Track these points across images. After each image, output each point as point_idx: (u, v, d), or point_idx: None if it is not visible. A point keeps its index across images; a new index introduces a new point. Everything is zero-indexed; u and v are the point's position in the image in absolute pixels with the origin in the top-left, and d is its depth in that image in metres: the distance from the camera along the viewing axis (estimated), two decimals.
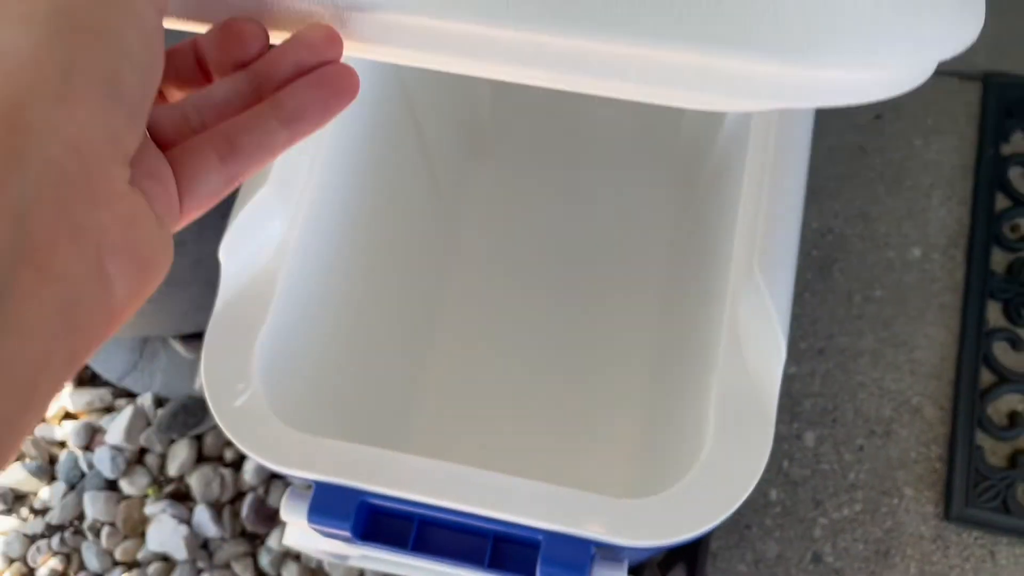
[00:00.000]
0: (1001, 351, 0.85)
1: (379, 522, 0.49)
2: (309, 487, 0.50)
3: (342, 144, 0.59)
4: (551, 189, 0.91)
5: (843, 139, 0.93)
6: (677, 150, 0.88)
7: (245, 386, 0.50)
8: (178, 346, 0.92)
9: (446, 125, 0.83)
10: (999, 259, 0.88)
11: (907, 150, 0.92)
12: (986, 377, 0.84)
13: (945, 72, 0.94)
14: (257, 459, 0.48)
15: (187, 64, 0.27)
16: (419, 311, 0.82)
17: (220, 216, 0.68)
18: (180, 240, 0.66)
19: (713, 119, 0.73)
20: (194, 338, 0.92)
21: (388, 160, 0.70)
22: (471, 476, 0.48)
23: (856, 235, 0.90)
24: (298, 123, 0.26)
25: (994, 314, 0.86)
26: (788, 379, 0.85)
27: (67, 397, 0.93)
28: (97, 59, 0.20)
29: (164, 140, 0.25)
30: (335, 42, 0.27)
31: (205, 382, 0.50)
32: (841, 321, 0.87)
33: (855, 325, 0.87)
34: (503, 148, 0.92)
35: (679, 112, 0.88)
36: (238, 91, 0.26)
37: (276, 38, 0.27)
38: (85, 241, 0.20)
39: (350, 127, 0.60)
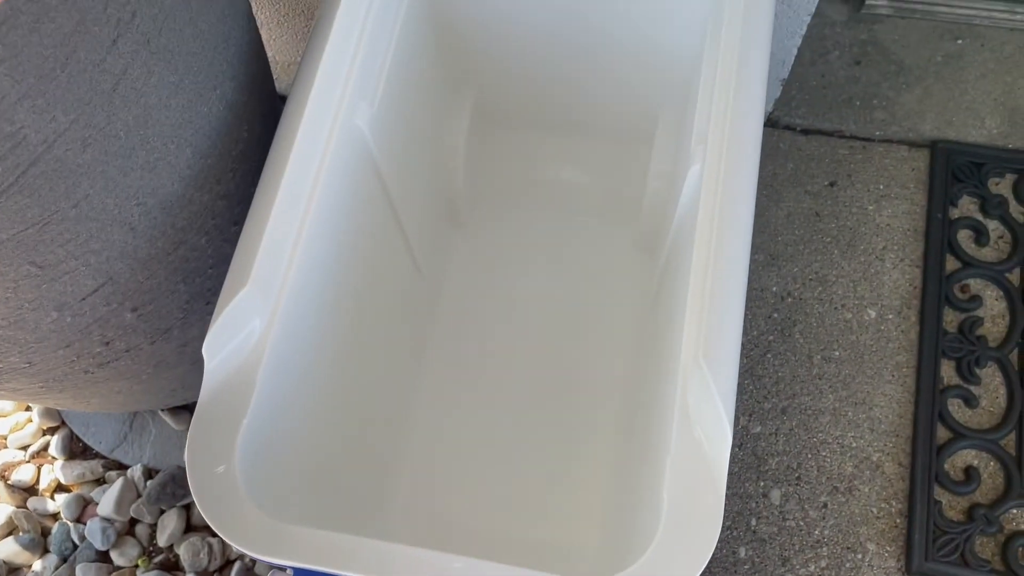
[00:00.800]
0: (955, 408, 0.89)
1: None
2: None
3: (319, 235, 0.63)
4: (525, 258, 0.95)
5: (799, 205, 0.97)
6: (642, 216, 0.92)
7: (227, 478, 0.53)
8: (167, 418, 0.95)
9: (421, 201, 0.87)
10: (951, 319, 0.92)
11: (860, 215, 0.97)
12: (942, 433, 0.88)
13: (894, 140, 0.99)
14: (239, 548, 0.52)
15: None
16: (396, 391, 0.86)
17: (205, 303, 0.72)
18: (167, 327, 0.70)
19: (674, 186, 0.77)
20: (183, 410, 0.95)
21: (365, 243, 0.74)
22: (441, 560, 0.51)
23: (814, 298, 0.94)
24: None
25: (948, 372, 0.90)
26: (754, 438, 0.89)
27: (59, 470, 0.95)
28: None
29: None
30: None
31: (189, 476, 0.53)
32: (803, 381, 0.91)
33: (816, 385, 0.91)
34: (477, 217, 0.96)
35: (643, 175, 0.93)
36: None
37: None
38: None
39: (327, 217, 0.64)
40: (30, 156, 0.48)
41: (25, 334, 0.59)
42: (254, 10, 0.96)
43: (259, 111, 0.69)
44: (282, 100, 1.06)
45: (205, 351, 0.56)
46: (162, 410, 0.95)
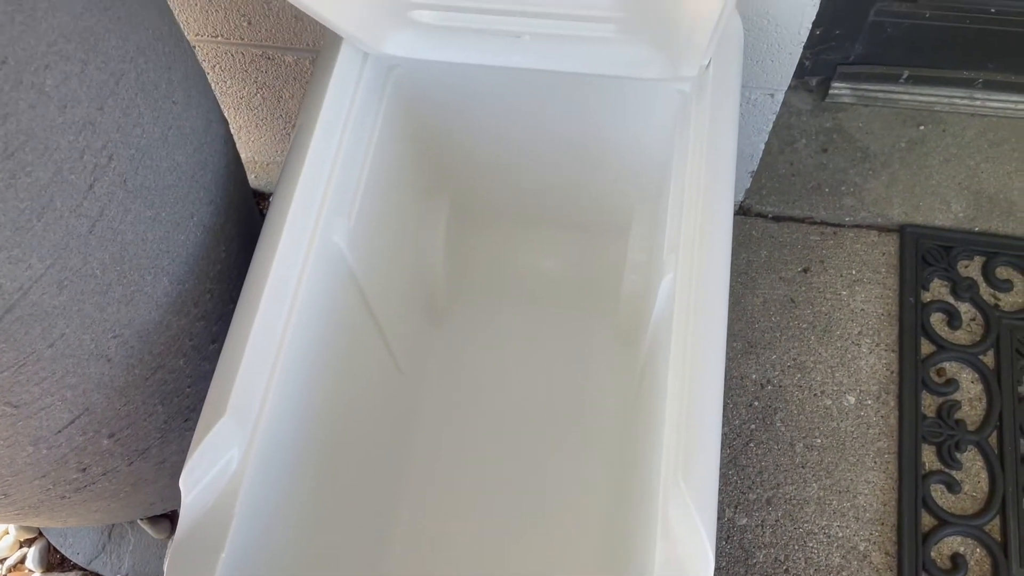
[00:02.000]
0: (938, 494, 0.89)
1: None
2: None
3: (298, 353, 0.63)
4: (506, 352, 0.95)
5: (775, 292, 0.99)
6: (620, 308, 0.93)
7: None
8: (146, 527, 0.93)
9: (401, 303, 0.88)
10: (929, 403, 0.93)
11: (834, 301, 0.98)
12: (927, 520, 0.88)
13: (864, 225, 1.01)
14: None
15: None
16: (379, 495, 0.85)
17: (183, 420, 0.72)
18: (144, 447, 0.69)
19: (651, 279, 0.78)
20: (162, 518, 0.94)
21: (344, 352, 0.74)
22: None
23: (794, 384, 0.95)
24: None
25: (929, 457, 0.91)
26: (740, 531, 0.89)
27: None
28: None
29: None
30: None
31: None
32: (786, 470, 0.91)
33: (799, 474, 0.91)
34: (457, 314, 0.97)
35: (620, 267, 0.94)
36: None
37: None
38: None
39: (306, 333, 0.64)
40: (5, 303, 0.48)
41: (1, 469, 0.58)
42: (232, 115, 0.98)
43: (237, 230, 0.69)
44: (260, 198, 1.07)
45: (182, 484, 0.55)
46: (141, 520, 0.94)
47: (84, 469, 0.65)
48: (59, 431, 0.58)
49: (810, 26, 0.76)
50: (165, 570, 0.55)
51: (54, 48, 0.45)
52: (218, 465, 0.56)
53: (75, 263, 0.51)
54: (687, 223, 0.64)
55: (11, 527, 0.97)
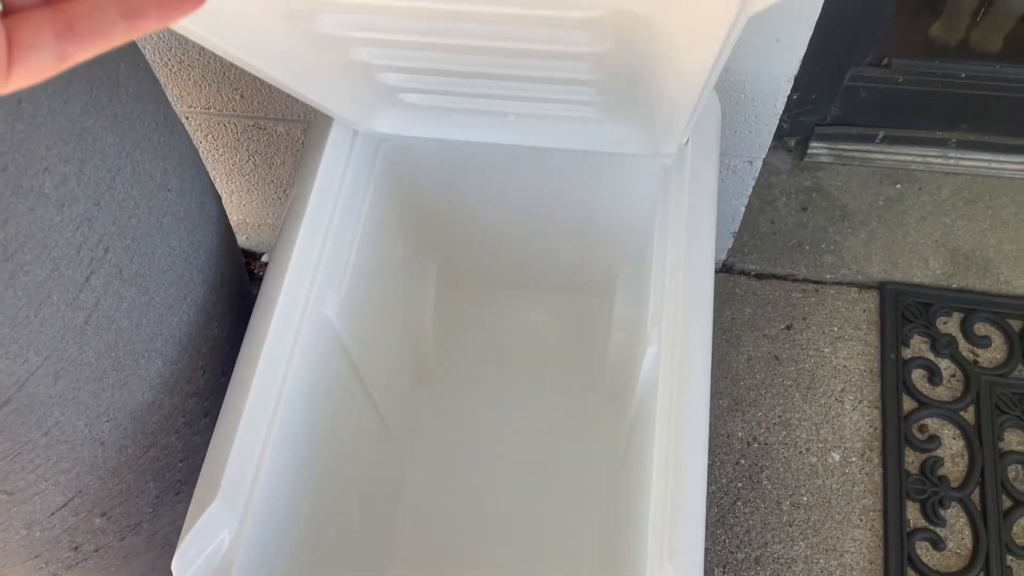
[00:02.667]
0: (924, 551, 0.90)
1: None
2: None
3: (290, 427, 0.64)
4: (495, 412, 0.96)
5: (759, 350, 1.00)
6: (608, 368, 0.94)
7: None
8: None
9: (391, 368, 0.89)
10: (912, 459, 0.94)
11: (817, 358, 1.00)
12: None
13: (844, 283, 1.04)
14: None
15: None
16: (371, 566, 0.85)
17: (175, 494, 0.72)
18: (136, 523, 0.69)
19: (636, 346, 0.79)
20: None
21: (335, 420, 0.74)
22: None
23: (779, 442, 0.96)
24: (137, 20, 0.26)
25: (913, 514, 0.92)
26: None
27: None
28: None
29: (10, 4, 0.26)
30: None
31: None
32: (773, 529, 0.92)
33: (787, 532, 0.92)
34: (446, 375, 0.98)
35: (607, 327, 0.96)
36: None
37: None
38: None
39: (297, 406, 0.65)
40: (2, 398, 0.49)
41: None
42: (225, 180, 0.99)
43: (229, 304, 0.71)
44: (251, 257, 1.08)
45: (175, 568, 0.56)
46: None
47: (76, 548, 0.65)
48: (52, 514, 0.59)
49: (785, 100, 0.78)
50: None
51: (53, 151, 0.47)
52: (210, 547, 0.57)
53: (71, 353, 0.52)
54: (669, 295, 0.65)
55: None
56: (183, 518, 0.73)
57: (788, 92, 0.77)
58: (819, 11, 0.68)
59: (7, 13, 0.25)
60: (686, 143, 0.70)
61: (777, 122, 0.81)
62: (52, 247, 0.48)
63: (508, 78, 0.58)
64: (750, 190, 0.90)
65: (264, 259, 1.17)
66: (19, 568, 0.63)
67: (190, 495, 0.73)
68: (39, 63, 0.25)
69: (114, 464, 0.61)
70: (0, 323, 0.46)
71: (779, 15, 0.70)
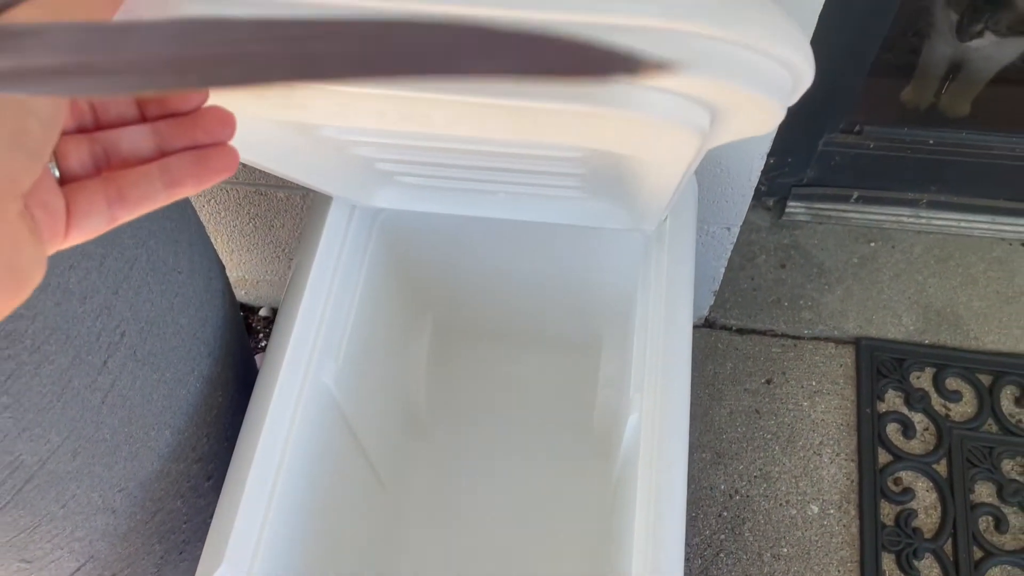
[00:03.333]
0: None
1: None
2: None
3: (290, 489, 0.67)
4: (485, 464, 1.00)
5: (740, 403, 1.04)
6: (595, 423, 0.98)
7: None
8: None
9: (385, 426, 0.92)
10: (887, 511, 0.98)
11: (796, 411, 1.04)
12: None
13: (821, 338, 1.08)
14: None
15: (125, 105, 0.32)
16: None
17: (178, 553, 0.75)
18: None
19: (620, 407, 0.83)
20: None
21: (332, 478, 0.78)
22: None
23: (760, 495, 0.99)
24: (177, 188, 0.31)
25: (889, 565, 0.95)
26: None
27: None
28: (7, 119, 0.25)
29: (69, 174, 0.30)
30: (228, 126, 0.32)
31: None
32: None
33: None
34: (438, 429, 1.01)
35: (594, 383, 0.99)
36: (140, 147, 0.31)
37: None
38: None
39: (297, 469, 0.68)
40: (25, 475, 0.52)
41: None
42: (226, 241, 1.03)
43: (233, 373, 0.74)
44: (249, 312, 1.12)
45: None
46: None
47: None
48: None
49: (759, 173, 0.83)
50: None
51: (77, 249, 0.51)
52: None
53: (88, 432, 0.55)
54: (650, 361, 0.69)
55: None
56: (191, 572, 0.76)
57: (762, 167, 0.82)
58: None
59: (65, 181, 0.30)
60: (665, 219, 0.75)
61: (752, 193, 0.86)
62: (74, 336, 0.52)
63: (499, 170, 0.63)
64: (728, 253, 0.95)
65: (262, 312, 1.21)
66: None
67: (193, 554, 0.76)
68: (92, 226, 0.30)
69: (124, 530, 0.64)
70: (26, 409, 0.50)
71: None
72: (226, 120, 0.32)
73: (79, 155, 0.30)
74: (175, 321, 0.62)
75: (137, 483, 0.62)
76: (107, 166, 0.31)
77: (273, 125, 0.52)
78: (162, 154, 0.32)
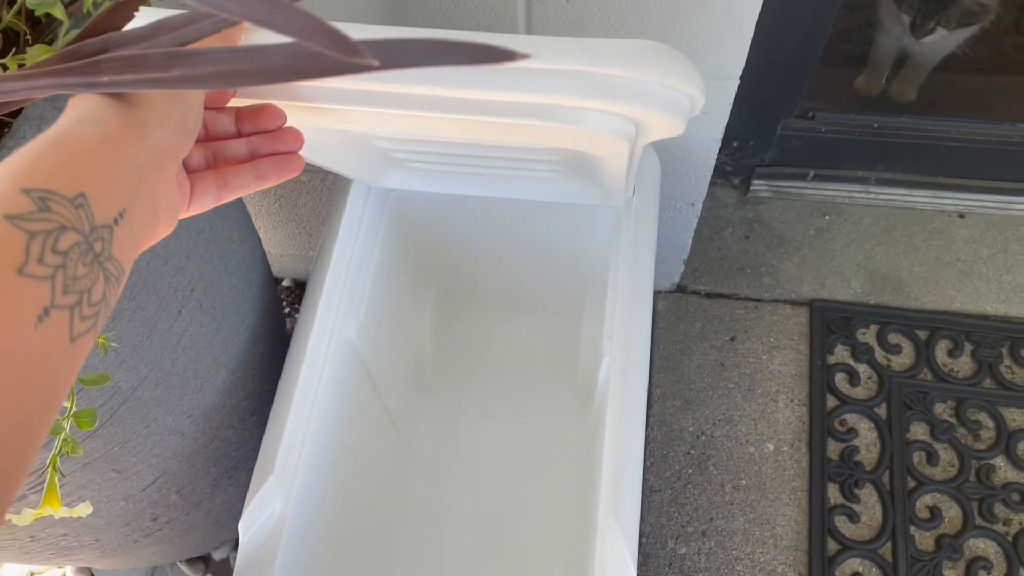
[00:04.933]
0: (842, 524, 1.08)
1: None
2: None
3: (322, 423, 0.82)
4: (482, 414, 1.14)
5: (707, 358, 1.19)
6: (577, 377, 1.13)
7: None
8: (184, 567, 1.11)
9: (397, 378, 1.07)
10: (833, 448, 1.13)
11: (756, 364, 1.18)
12: (832, 546, 1.07)
13: (780, 300, 1.22)
14: None
15: (228, 124, 0.46)
16: (384, 527, 1.03)
17: (228, 478, 0.90)
18: (198, 500, 0.88)
19: (597, 358, 0.97)
20: (198, 560, 1.11)
21: (354, 417, 0.93)
22: None
23: (723, 435, 1.14)
24: (263, 180, 0.45)
25: (834, 493, 1.10)
26: (680, 558, 1.07)
27: None
28: (178, 111, 0.39)
29: (190, 167, 0.43)
30: (299, 140, 0.47)
31: None
32: (717, 507, 1.10)
33: (728, 509, 1.10)
34: (442, 383, 1.16)
35: (576, 342, 1.14)
36: (238, 152, 0.45)
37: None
38: (157, 197, 0.37)
39: (327, 407, 0.83)
40: (121, 399, 0.67)
41: (99, 520, 0.76)
42: (254, 218, 1.18)
43: (270, 328, 0.89)
44: (276, 283, 1.26)
45: (241, 527, 0.74)
46: (179, 562, 1.11)
47: (155, 519, 0.83)
48: (143, 489, 0.77)
49: (716, 156, 0.97)
50: None
51: None
52: (266, 512, 0.75)
53: (167, 366, 0.70)
54: (619, 315, 0.84)
55: (68, 572, 1.14)
56: (233, 500, 0.91)
57: (717, 150, 0.96)
58: (734, 93, 0.87)
59: (191, 171, 0.44)
60: (632, 195, 0.89)
61: (711, 174, 1.00)
62: (159, 289, 0.66)
63: (491, 159, 0.77)
64: (694, 226, 1.09)
65: (285, 283, 1.35)
66: (112, 533, 0.81)
67: (238, 480, 0.91)
68: (204, 202, 0.45)
69: (189, 451, 0.79)
70: (124, 345, 0.64)
71: (705, 98, 0.89)
72: (298, 136, 0.47)
73: (197, 156, 0.45)
74: (229, 281, 0.77)
75: (201, 412, 0.77)
76: (215, 164, 0.46)
77: (322, 129, 0.66)
78: (253, 158, 0.46)
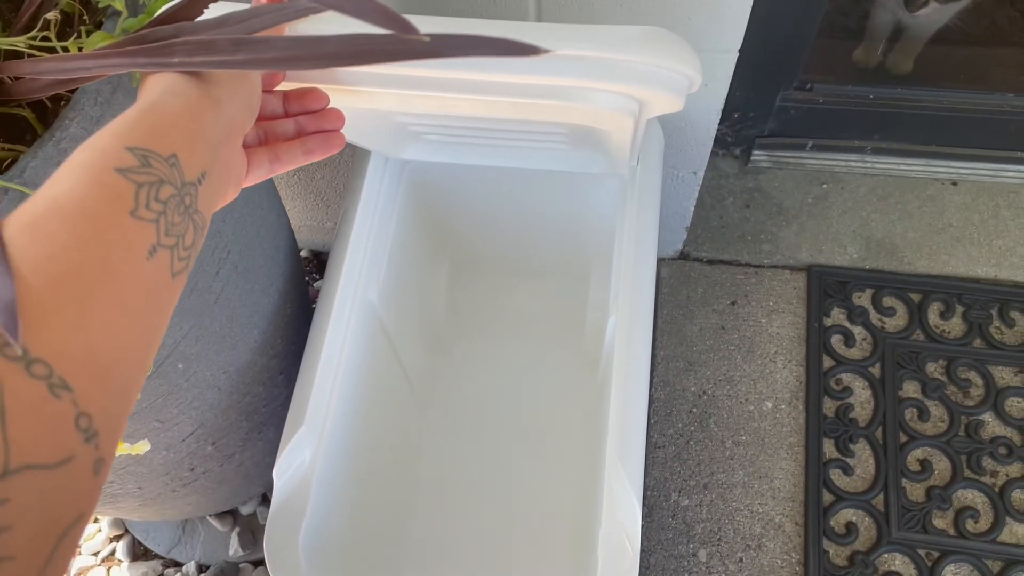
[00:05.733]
0: (836, 476, 1.14)
1: None
2: None
3: (347, 380, 0.88)
4: (495, 375, 1.20)
5: (708, 321, 1.24)
6: (584, 339, 1.18)
7: (295, 560, 0.76)
8: (214, 522, 1.17)
9: (414, 340, 1.13)
10: (829, 406, 1.18)
11: (756, 327, 1.24)
12: (827, 497, 1.13)
13: (779, 266, 1.27)
14: None
15: (276, 105, 0.52)
16: (403, 478, 1.09)
17: (258, 432, 0.96)
18: (231, 453, 0.95)
19: (604, 319, 1.03)
20: (227, 514, 1.18)
21: (375, 377, 0.98)
22: None
23: (724, 394, 1.20)
24: (310, 155, 0.51)
25: (829, 448, 1.16)
26: (683, 510, 1.14)
27: (125, 570, 1.17)
28: (245, 90, 0.46)
29: (246, 143, 0.48)
30: (341, 120, 0.53)
31: (268, 558, 0.77)
32: (718, 462, 1.16)
33: (729, 464, 1.16)
34: (456, 346, 1.22)
35: (584, 306, 1.19)
36: (287, 130, 0.51)
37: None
38: (229, 164, 0.43)
39: (351, 365, 0.89)
40: (165, 352, 0.72)
41: (142, 468, 0.82)
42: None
43: (295, 292, 0.95)
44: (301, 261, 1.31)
45: (275, 473, 0.80)
46: (209, 516, 1.18)
47: (192, 469, 0.89)
48: (183, 440, 0.83)
49: (716, 127, 1.02)
50: (266, 533, 0.79)
51: None
52: (298, 460, 0.81)
53: (205, 323, 0.76)
54: (624, 277, 0.89)
55: (103, 525, 1.21)
56: (261, 455, 0.97)
57: (717, 121, 1.01)
58: (733, 66, 0.92)
59: (246, 147, 0.50)
60: (637, 164, 0.94)
61: (712, 144, 1.04)
62: (199, 252, 0.71)
63: (504, 130, 0.82)
64: (696, 194, 1.14)
65: (303, 254, 1.41)
66: (154, 482, 0.87)
67: (267, 435, 0.97)
68: (258, 174, 0.50)
69: (224, 406, 0.85)
70: None
71: (705, 69, 0.93)
72: (340, 116, 0.53)
73: (251, 133, 0.51)
74: (260, 246, 0.82)
75: (235, 368, 0.83)
76: (266, 141, 0.51)
77: (348, 108, 0.71)
78: (300, 135, 0.52)
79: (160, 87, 0.40)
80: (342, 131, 0.54)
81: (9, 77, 0.59)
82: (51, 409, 0.27)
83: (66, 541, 0.27)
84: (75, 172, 0.33)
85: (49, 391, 0.27)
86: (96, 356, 0.30)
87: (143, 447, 0.59)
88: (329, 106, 0.53)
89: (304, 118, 0.52)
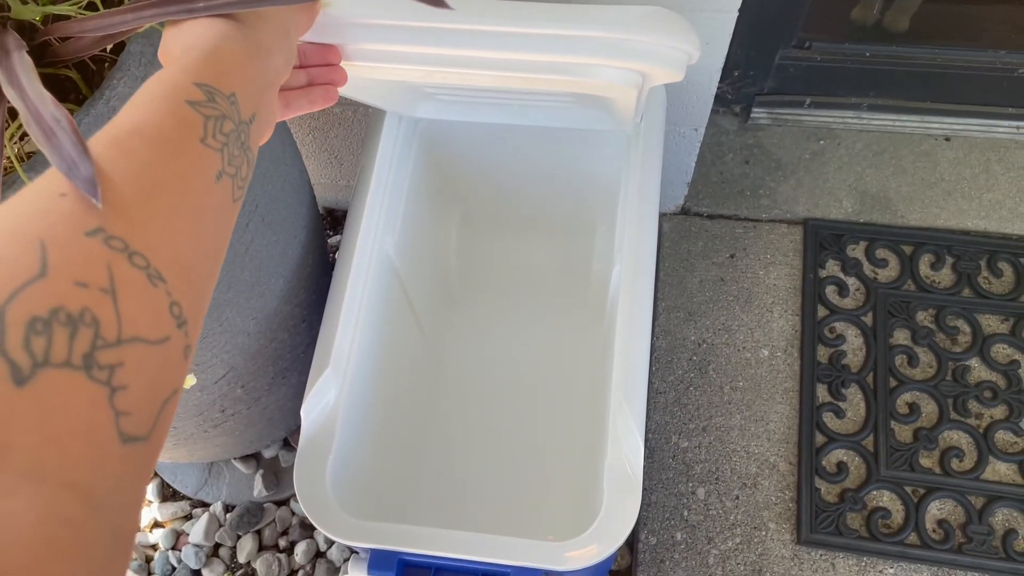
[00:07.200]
0: (829, 419, 1.20)
1: (410, 571, 0.82)
2: (362, 555, 0.82)
3: (366, 326, 0.93)
4: (504, 325, 1.26)
5: (708, 273, 1.30)
6: (589, 291, 1.24)
7: (323, 493, 0.83)
8: (238, 464, 1.24)
9: (427, 290, 1.18)
10: (823, 353, 1.24)
11: (754, 279, 1.29)
12: (819, 438, 1.19)
13: (776, 220, 1.32)
14: (336, 539, 0.81)
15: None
16: (419, 420, 1.16)
17: (282, 377, 1.02)
18: (258, 397, 1.01)
19: (608, 270, 1.08)
20: (251, 458, 1.24)
21: (391, 325, 1.04)
22: (465, 537, 0.81)
23: (722, 343, 1.25)
24: (312, 104, 0.56)
25: (822, 393, 1.22)
26: (683, 451, 1.20)
27: (155, 510, 1.24)
28: (287, 46, 0.51)
29: None
30: (344, 78, 0.59)
31: (299, 491, 0.83)
32: (716, 406, 1.22)
33: (727, 408, 1.22)
34: (467, 297, 1.27)
35: (589, 260, 1.24)
36: (299, 80, 0.56)
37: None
38: (270, 107, 0.47)
39: (369, 313, 0.94)
40: None
41: (179, 408, 0.88)
42: None
43: (316, 243, 1.00)
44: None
45: (303, 412, 0.86)
46: (234, 459, 1.24)
47: (223, 410, 0.95)
48: (215, 382, 0.89)
49: (717, 84, 1.06)
50: (295, 467, 0.85)
51: None
52: (324, 400, 0.87)
53: (236, 272, 0.81)
54: (628, 229, 0.94)
55: None
56: (284, 399, 1.03)
57: (718, 79, 1.05)
58: (733, 26, 0.95)
59: None
60: (640, 121, 0.98)
61: (712, 101, 1.09)
62: None
63: (514, 92, 0.86)
64: (698, 149, 1.18)
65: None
66: (188, 422, 0.93)
67: (291, 380, 1.03)
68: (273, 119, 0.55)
69: (253, 350, 0.90)
70: None
71: (706, 29, 0.97)
72: (344, 75, 0.59)
73: None
74: (284, 199, 0.87)
75: (263, 315, 0.88)
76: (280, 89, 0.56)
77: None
78: (310, 85, 0.57)
79: (216, 32, 0.44)
80: (345, 92, 0.60)
81: (57, 39, 0.64)
82: (150, 295, 0.32)
83: (167, 408, 0.32)
84: (152, 102, 0.38)
85: (148, 280, 0.32)
86: (180, 257, 0.35)
87: (190, 380, 0.64)
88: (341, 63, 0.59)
89: (316, 71, 0.58)
